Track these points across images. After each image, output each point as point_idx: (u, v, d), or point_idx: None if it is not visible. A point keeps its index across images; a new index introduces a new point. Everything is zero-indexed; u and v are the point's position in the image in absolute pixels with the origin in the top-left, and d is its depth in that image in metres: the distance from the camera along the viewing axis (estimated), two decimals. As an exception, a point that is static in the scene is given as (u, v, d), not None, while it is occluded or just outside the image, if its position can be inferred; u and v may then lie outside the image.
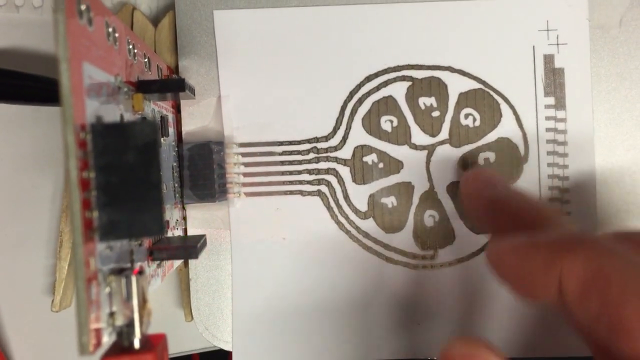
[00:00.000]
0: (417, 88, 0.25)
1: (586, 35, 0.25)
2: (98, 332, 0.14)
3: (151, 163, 0.15)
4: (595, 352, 0.17)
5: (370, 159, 0.25)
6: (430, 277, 0.25)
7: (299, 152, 0.25)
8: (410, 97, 0.25)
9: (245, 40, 0.25)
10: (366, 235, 0.25)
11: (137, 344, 0.15)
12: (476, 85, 0.25)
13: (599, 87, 0.25)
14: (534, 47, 0.25)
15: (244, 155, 0.25)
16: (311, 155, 0.25)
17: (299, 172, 0.25)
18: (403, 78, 0.25)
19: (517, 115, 0.25)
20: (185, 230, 0.25)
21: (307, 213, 0.25)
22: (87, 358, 0.14)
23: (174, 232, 0.23)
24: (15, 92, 0.24)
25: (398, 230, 0.25)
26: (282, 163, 0.25)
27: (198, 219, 0.25)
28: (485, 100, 0.25)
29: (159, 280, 0.21)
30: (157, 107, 0.22)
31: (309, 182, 0.25)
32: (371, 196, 0.25)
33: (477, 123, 0.25)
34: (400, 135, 0.25)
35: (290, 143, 0.25)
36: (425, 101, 0.25)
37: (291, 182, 0.25)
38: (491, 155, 0.25)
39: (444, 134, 0.25)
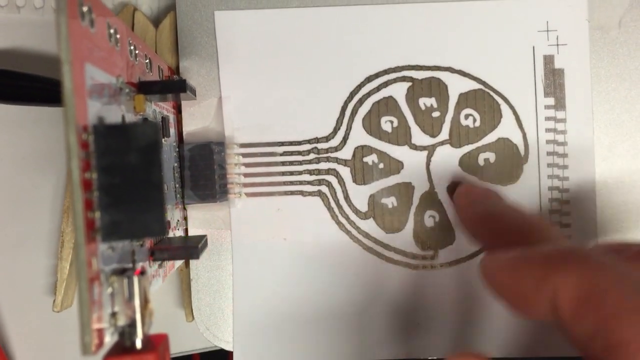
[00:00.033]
0: (417, 88, 0.25)
1: (586, 36, 0.25)
2: (100, 332, 0.14)
3: (153, 164, 0.15)
4: None
5: (371, 159, 0.25)
6: (430, 278, 0.25)
7: (299, 153, 0.25)
8: (411, 97, 0.25)
9: (246, 41, 0.25)
10: (366, 235, 0.25)
11: (139, 344, 0.15)
12: (476, 85, 0.25)
13: (598, 88, 0.25)
14: (533, 47, 0.25)
15: (244, 155, 0.25)
16: (312, 156, 0.25)
17: (300, 173, 0.25)
18: (403, 79, 0.25)
19: (517, 116, 0.25)
20: (186, 230, 0.25)
21: (308, 213, 0.25)
22: (89, 358, 0.14)
23: (175, 232, 0.24)
24: (16, 93, 0.24)
25: (398, 231, 0.25)
26: (283, 163, 0.25)
27: (199, 219, 0.25)
28: (485, 101, 0.25)
29: (161, 280, 0.21)
30: (158, 108, 0.22)
31: (310, 183, 0.25)
32: (371, 196, 0.25)
33: (477, 123, 0.25)
34: (401, 136, 0.25)
35: (291, 143, 0.25)
36: (425, 102, 0.25)
37: (292, 183, 0.25)
38: (491, 156, 0.25)
39: (444, 134, 0.25)
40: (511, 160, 0.25)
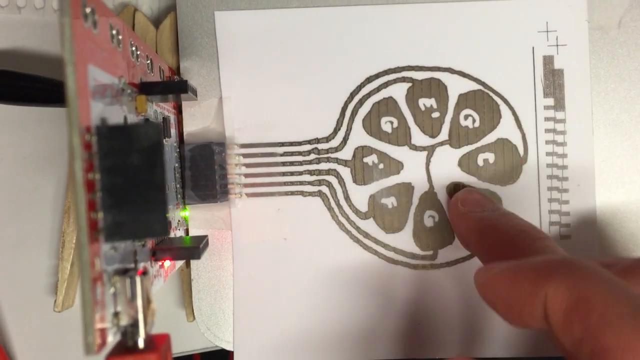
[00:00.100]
0: (417, 89, 0.25)
1: (585, 36, 0.25)
2: (103, 332, 0.14)
3: (155, 164, 0.15)
4: None
5: (371, 159, 0.25)
6: (430, 277, 0.25)
7: (299, 153, 0.25)
8: (411, 98, 0.25)
9: (246, 41, 0.25)
10: (366, 235, 0.25)
11: (141, 343, 0.15)
12: (476, 86, 0.25)
13: (598, 88, 0.25)
14: (533, 48, 0.25)
15: (245, 156, 0.25)
16: (312, 156, 0.25)
17: (300, 173, 0.25)
18: (403, 79, 0.25)
19: (517, 116, 0.25)
20: (187, 230, 0.25)
21: (308, 213, 0.25)
22: (92, 358, 0.14)
23: (176, 232, 0.24)
24: (17, 93, 0.24)
25: (398, 231, 0.25)
26: (283, 164, 0.25)
27: (199, 219, 0.25)
28: (484, 102, 0.25)
29: (162, 280, 0.21)
30: (159, 109, 0.22)
31: (310, 183, 0.25)
32: (371, 197, 0.25)
33: (477, 124, 0.25)
34: (401, 136, 0.25)
35: (291, 144, 0.25)
36: (425, 102, 0.25)
37: (292, 183, 0.25)
38: (490, 156, 0.25)
39: (443, 135, 0.25)
40: (510, 161, 0.25)
